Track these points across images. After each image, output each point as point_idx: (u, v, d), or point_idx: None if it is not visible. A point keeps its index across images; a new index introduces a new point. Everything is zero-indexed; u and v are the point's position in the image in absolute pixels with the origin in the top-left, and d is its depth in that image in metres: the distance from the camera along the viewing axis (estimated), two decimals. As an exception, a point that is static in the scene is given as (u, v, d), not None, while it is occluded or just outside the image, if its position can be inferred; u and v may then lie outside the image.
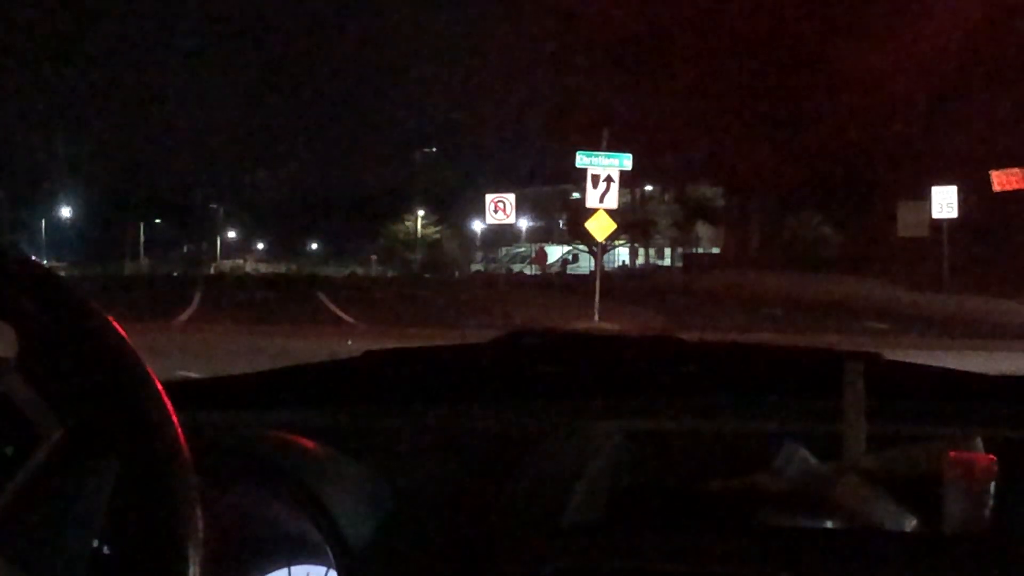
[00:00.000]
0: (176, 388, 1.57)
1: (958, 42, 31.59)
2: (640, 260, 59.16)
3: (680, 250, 58.29)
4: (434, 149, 65.13)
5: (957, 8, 31.04)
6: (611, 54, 40.45)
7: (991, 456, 2.01)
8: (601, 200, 22.63)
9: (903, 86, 33.47)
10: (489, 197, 34.26)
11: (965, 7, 30.92)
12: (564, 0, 40.02)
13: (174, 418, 1.30)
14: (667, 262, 59.19)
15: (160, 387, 1.31)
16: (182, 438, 1.29)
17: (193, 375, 2.75)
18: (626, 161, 23.33)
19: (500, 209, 32.81)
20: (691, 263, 53.05)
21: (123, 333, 1.32)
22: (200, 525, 1.27)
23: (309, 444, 2.00)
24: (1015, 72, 31.49)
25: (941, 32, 31.46)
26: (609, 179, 22.57)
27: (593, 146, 24.37)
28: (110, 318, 1.32)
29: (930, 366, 2.48)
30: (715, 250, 55.79)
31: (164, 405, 1.30)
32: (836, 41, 34.05)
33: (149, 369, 1.32)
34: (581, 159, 23.18)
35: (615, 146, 24.67)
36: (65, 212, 59.07)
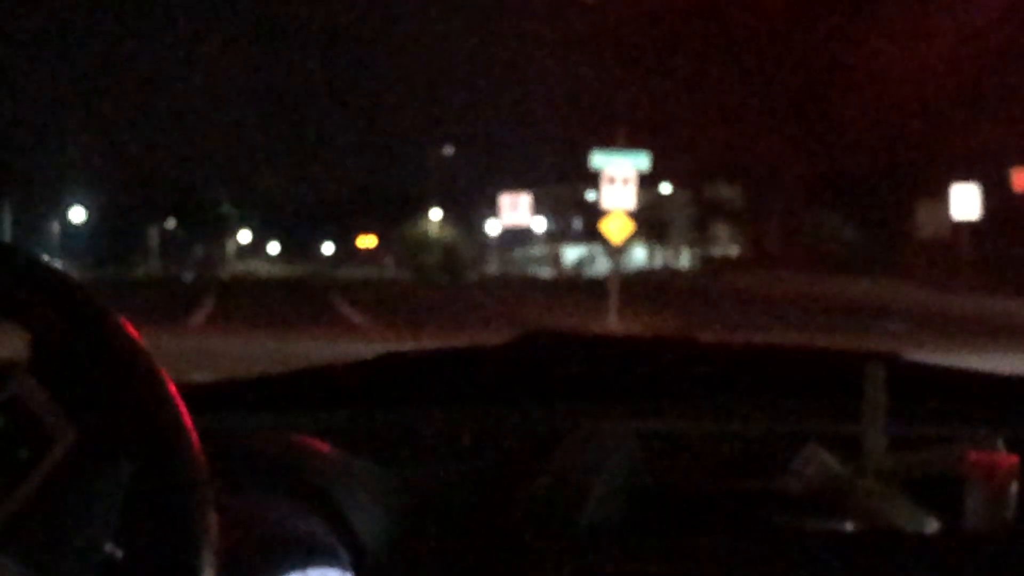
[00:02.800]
0: (190, 391, 1.57)
1: (977, 38, 31.54)
2: (657, 261, 59.14)
3: (698, 250, 58.29)
4: (449, 150, 65.13)
5: (975, 6, 30.99)
6: (627, 51, 40.47)
7: (1013, 456, 2.01)
8: (618, 200, 22.57)
9: (922, 82, 33.45)
10: (504, 197, 34.41)
11: (983, 4, 30.87)
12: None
13: (188, 421, 1.30)
14: (685, 263, 59.16)
15: (174, 390, 1.31)
16: (196, 441, 1.29)
17: (208, 378, 2.75)
18: (643, 160, 23.29)
19: (515, 209, 32.94)
20: (709, 264, 53.08)
21: (136, 335, 1.32)
22: (214, 529, 1.27)
23: (324, 447, 2.00)
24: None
25: (960, 27, 31.42)
26: (626, 179, 22.51)
27: (606, 144, 24.33)
28: (123, 320, 1.32)
29: (950, 367, 2.48)
30: (733, 251, 55.78)
31: (178, 408, 1.30)
32: (854, 37, 34.05)
33: (163, 372, 1.31)
34: (597, 159, 23.13)
35: (632, 145, 24.64)
36: (78, 215, 59.21)
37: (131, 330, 1.32)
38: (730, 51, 37.83)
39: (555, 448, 2.16)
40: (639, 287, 33.65)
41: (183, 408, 1.30)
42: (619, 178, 22.43)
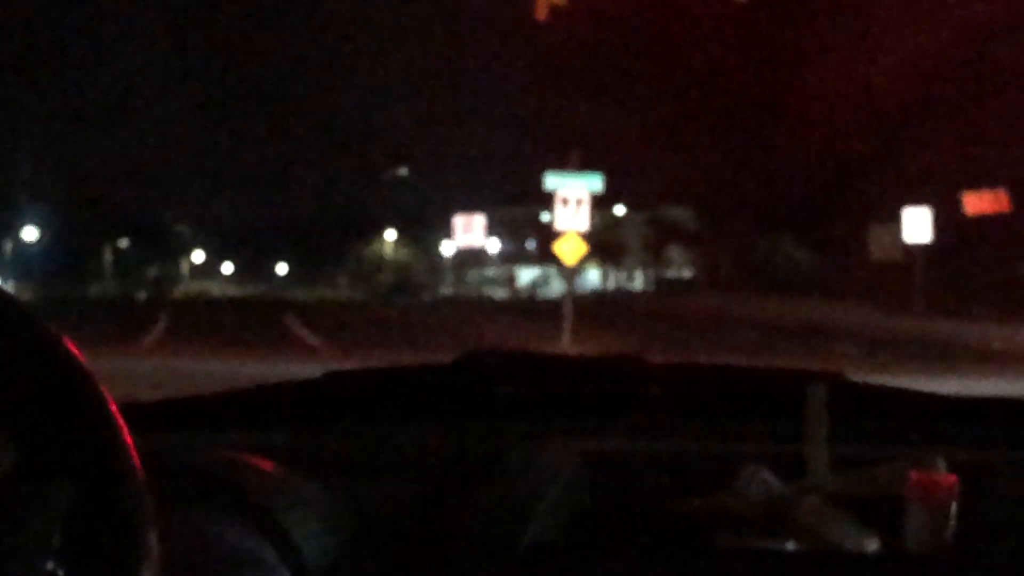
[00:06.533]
0: (132, 409, 1.56)
1: (927, 65, 31.71)
2: (611, 283, 59.22)
3: (652, 272, 58.42)
4: (404, 171, 65.09)
5: (925, 30, 31.15)
6: (581, 75, 40.55)
7: (952, 476, 2.02)
8: (571, 222, 22.59)
9: (874, 107, 33.61)
10: (458, 218, 34.40)
11: (933, 28, 31.03)
12: (534, 21, 40.07)
13: (129, 439, 1.29)
14: (638, 285, 59.27)
15: (115, 407, 1.30)
16: (137, 459, 1.28)
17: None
18: (596, 182, 23.32)
19: (469, 230, 32.96)
20: (663, 286, 53.21)
21: (77, 353, 1.31)
22: (156, 547, 1.26)
23: (267, 465, 2.00)
24: (985, 93, 31.64)
25: (910, 55, 31.57)
26: (580, 200, 22.54)
27: (561, 167, 24.36)
28: (64, 337, 1.31)
29: (892, 387, 2.49)
30: (687, 273, 55.94)
31: (119, 426, 1.29)
32: (806, 63, 34.19)
33: (104, 389, 1.31)
34: (551, 180, 23.16)
35: (584, 166, 24.68)
36: (31, 234, 58.91)
37: (72, 347, 1.32)
38: (682, 75, 37.94)
39: (498, 468, 2.16)
40: (593, 309, 33.68)
41: (124, 427, 1.30)
42: (572, 200, 22.47)
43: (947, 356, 20.47)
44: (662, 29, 36.72)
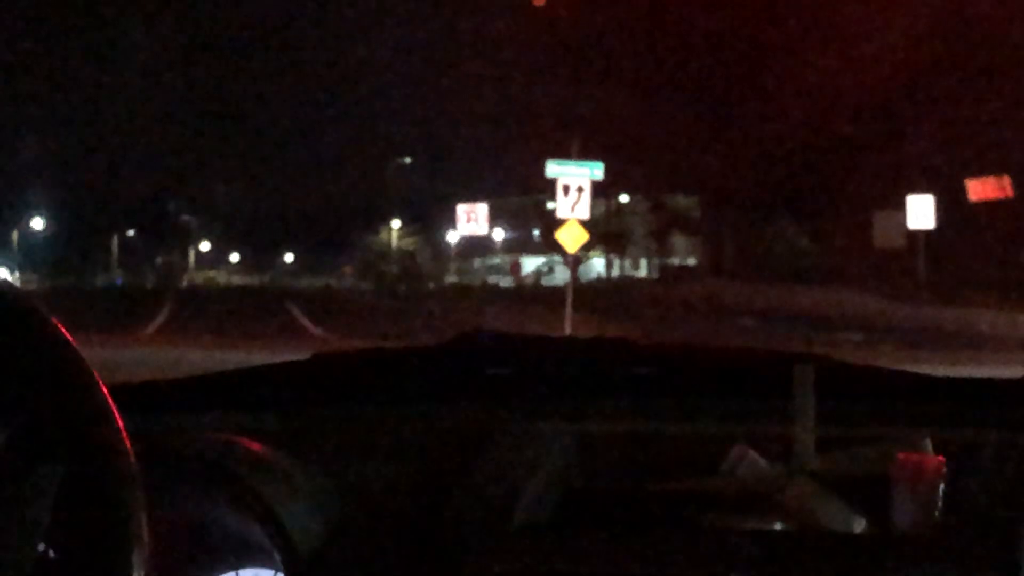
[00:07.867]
0: (122, 391, 1.57)
1: (931, 49, 31.58)
2: (615, 271, 59.00)
3: (656, 261, 58.21)
4: (408, 160, 64.82)
5: (926, 15, 31.03)
6: (583, 63, 40.41)
7: (939, 457, 2.03)
8: (572, 210, 22.50)
9: (877, 94, 33.47)
10: (461, 207, 34.33)
11: (937, 10, 30.90)
12: (535, 8, 39.94)
13: (119, 421, 1.30)
14: (642, 273, 59.02)
15: (105, 390, 1.31)
16: (127, 441, 1.29)
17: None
18: (597, 170, 23.23)
19: (472, 219, 32.90)
20: (666, 274, 53.01)
21: (68, 336, 1.32)
22: (145, 528, 1.26)
23: (256, 447, 2.00)
24: (987, 78, 31.50)
25: (914, 39, 31.45)
26: (580, 188, 22.46)
27: (565, 155, 24.30)
28: (55, 321, 1.32)
29: (880, 368, 2.49)
30: (691, 261, 55.76)
31: (109, 408, 1.30)
32: (811, 48, 34.06)
33: (94, 372, 1.31)
34: (551, 168, 23.06)
35: (587, 155, 24.64)
36: (37, 224, 58.79)
37: (63, 331, 1.32)
38: (684, 62, 37.83)
39: (489, 448, 2.16)
40: (596, 296, 33.59)
41: (114, 409, 1.30)
42: (573, 187, 22.37)
43: (950, 343, 20.43)
44: (663, 15, 36.58)
